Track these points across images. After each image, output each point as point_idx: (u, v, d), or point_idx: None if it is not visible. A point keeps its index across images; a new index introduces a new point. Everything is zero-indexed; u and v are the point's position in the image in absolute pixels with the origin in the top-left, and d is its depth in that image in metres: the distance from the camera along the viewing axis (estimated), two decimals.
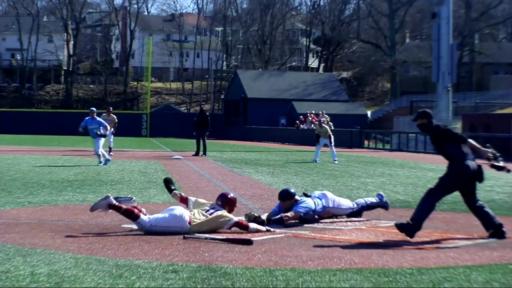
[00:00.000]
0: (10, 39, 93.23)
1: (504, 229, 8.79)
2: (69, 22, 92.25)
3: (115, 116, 29.23)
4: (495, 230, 8.78)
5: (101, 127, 21.97)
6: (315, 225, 9.72)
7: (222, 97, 79.75)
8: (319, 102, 60.15)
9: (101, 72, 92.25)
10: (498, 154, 8.82)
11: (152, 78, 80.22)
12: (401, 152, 37.35)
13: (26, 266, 6.59)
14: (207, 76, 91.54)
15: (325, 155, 28.46)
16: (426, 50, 73.52)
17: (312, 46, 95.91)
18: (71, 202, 12.06)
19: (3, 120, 58.01)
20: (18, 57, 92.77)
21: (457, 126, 45.04)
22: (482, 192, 14.35)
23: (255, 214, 9.33)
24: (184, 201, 9.43)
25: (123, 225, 9.32)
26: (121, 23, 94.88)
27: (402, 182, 17.66)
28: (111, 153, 27.42)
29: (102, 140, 22.17)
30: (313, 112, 50.63)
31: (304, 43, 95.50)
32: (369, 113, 69.10)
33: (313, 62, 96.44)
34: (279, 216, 9.52)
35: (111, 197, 8.81)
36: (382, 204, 10.68)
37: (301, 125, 50.93)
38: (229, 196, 9.29)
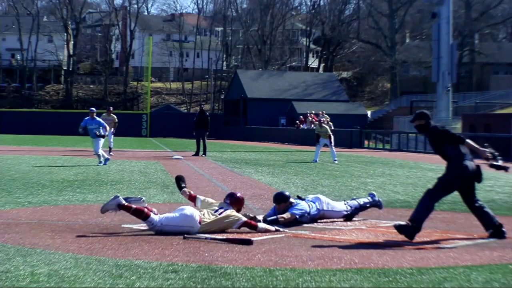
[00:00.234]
0: (10, 39, 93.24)
1: (504, 229, 8.78)
2: (69, 22, 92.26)
3: (115, 116, 29.24)
4: (495, 230, 8.77)
5: (100, 128, 21.97)
6: (315, 225, 9.72)
7: (222, 97, 79.76)
8: (319, 102, 60.17)
9: (101, 72, 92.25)
10: (496, 153, 8.82)
11: (152, 78, 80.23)
12: (401, 152, 37.35)
13: (26, 266, 6.59)
14: (207, 76, 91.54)
15: (325, 155, 28.47)
16: (426, 50, 73.52)
17: (312, 46, 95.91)
18: (71, 202, 12.06)
19: (3, 120, 58.00)
20: (18, 57, 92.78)
21: (457, 126, 45.04)
22: (482, 192, 14.35)
23: (250, 215, 9.33)
24: (192, 199, 9.45)
25: (123, 225, 9.32)
26: (121, 23, 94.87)
27: (402, 182, 17.67)
28: (111, 153, 27.43)
29: (102, 140, 22.16)
30: (313, 112, 50.64)
31: (304, 43, 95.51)
32: (369, 113, 69.10)
33: (313, 62, 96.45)
34: (274, 217, 9.52)
35: (120, 197, 8.81)
36: (375, 204, 10.64)
37: (301, 125, 50.93)
38: (237, 195, 9.31)
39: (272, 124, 58.70)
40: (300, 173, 20.27)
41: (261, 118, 60.09)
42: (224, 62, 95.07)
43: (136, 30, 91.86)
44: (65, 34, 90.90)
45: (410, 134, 40.28)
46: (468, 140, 8.75)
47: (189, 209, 8.78)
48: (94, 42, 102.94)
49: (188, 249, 7.65)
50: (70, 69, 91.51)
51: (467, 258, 7.46)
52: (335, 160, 25.97)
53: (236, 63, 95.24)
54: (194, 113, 48.44)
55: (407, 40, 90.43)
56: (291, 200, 9.79)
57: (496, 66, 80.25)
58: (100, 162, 21.46)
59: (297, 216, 9.53)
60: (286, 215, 9.49)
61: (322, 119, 36.88)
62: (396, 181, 17.94)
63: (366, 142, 45.29)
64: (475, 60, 78.61)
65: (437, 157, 9.15)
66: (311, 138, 33.99)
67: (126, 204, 8.75)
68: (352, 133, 44.04)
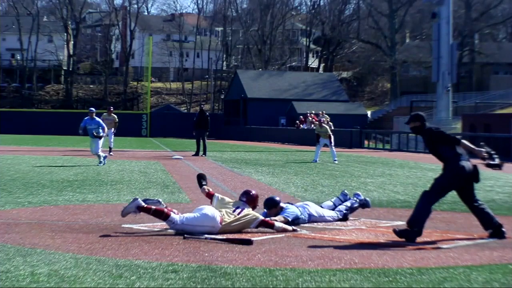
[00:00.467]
0: (10, 39, 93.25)
1: (503, 229, 8.78)
2: (69, 22, 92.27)
3: (115, 116, 29.23)
4: (494, 230, 8.77)
5: (99, 128, 21.94)
6: (315, 225, 9.72)
7: (222, 97, 79.76)
8: (319, 102, 60.17)
9: (101, 72, 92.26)
10: (492, 152, 8.81)
11: (152, 78, 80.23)
12: (401, 152, 37.35)
13: (26, 266, 6.59)
14: (207, 76, 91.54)
15: (325, 155, 28.47)
16: (426, 50, 73.54)
17: (312, 46, 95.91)
18: (71, 202, 12.06)
19: (3, 120, 58.01)
20: (18, 57, 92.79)
21: (457, 126, 45.07)
22: (482, 192, 14.36)
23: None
24: (209, 197, 9.45)
25: (123, 225, 9.32)
26: (121, 23, 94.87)
27: (402, 182, 17.67)
28: (111, 153, 27.44)
29: (102, 140, 22.16)
30: (313, 112, 50.64)
31: (304, 43, 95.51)
32: (369, 113, 69.11)
33: (313, 62, 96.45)
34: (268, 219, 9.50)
35: (139, 200, 8.83)
36: (362, 203, 10.59)
37: (301, 125, 50.93)
38: (252, 193, 9.33)
39: (272, 124, 58.71)
40: (300, 173, 20.28)
41: (261, 118, 60.09)
42: (224, 62, 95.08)
43: (136, 30, 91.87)
44: (65, 34, 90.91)
45: (410, 134, 40.28)
46: (464, 141, 8.75)
47: (209, 209, 8.78)
48: (94, 42, 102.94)
49: (188, 249, 7.65)
50: (70, 69, 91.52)
51: (467, 258, 7.46)
52: (335, 160, 25.97)
53: (236, 63, 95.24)
54: (194, 113, 48.45)
55: (407, 40, 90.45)
56: (282, 205, 9.80)
57: (496, 66, 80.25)
58: (100, 162, 21.46)
59: (289, 219, 9.52)
60: (279, 218, 9.47)
61: (322, 119, 36.87)
62: (396, 181, 17.94)
63: (366, 142, 45.30)
64: (475, 60, 78.62)
65: None
66: (311, 138, 34.00)
67: (145, 205, 8.78)
68: (352, 133, 44.04)
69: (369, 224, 10.02)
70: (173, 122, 62.14)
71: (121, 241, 8.11)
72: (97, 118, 22.40)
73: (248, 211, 8.98)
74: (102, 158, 21.65)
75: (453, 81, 51.13)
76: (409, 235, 8.41)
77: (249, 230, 8.88)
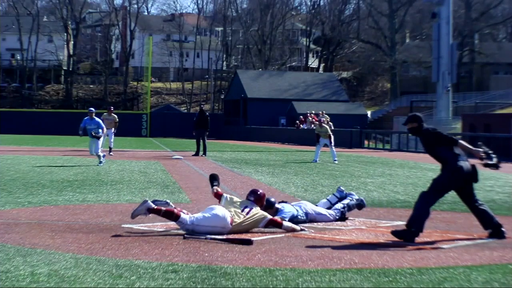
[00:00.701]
0: (10, 39, 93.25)
1: (503, 229, 8.77)
2: (69, 22, 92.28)
3: (116, 116, 29.20)
4: (494, 230, 8.77)
5: (99, 128, 21.88)
6: (315, 225, 9.72)
7: (222, 97, 79.77)
8: (319, 102, 60.20)
9: (101, 72, 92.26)
10: (490, 152, 8.80)
11: (152, 78, 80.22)
12: (401, 152, 37.35)
13: (26, 266, 6.59)
14: (207, 76, 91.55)
15: (325, 155, 28.47)
16: (426, 50, 73.55)
17: (312, 46, 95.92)
18: (71, 202, 12.06)
19: (3, 120, 58.01)
20: (18, 57, 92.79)
21: (457, 126, 45.08)
22: (482, 192, 14.37)
23: None
24: (217, 197, 9.44)
25: (123, 225, 9.33)
26: (121, 23, 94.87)
27: (402, 182, 17.67)
28: (111, 153, 27.44)
29: (101, 140, 22.14)
30: (313, 112, 50.65)
31: (304, 43, 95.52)
32: (369, 113, 69.14)
33: (313, 62, 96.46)
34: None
35: (149, 202, 8.83)
36: (359, 203, 10.56)
37: (301, 125, 50.94)
38: (259, 192, 9.36)
39: (272, 124, 58.72)
40: (300, 173, 20.28)
41: (261, 118, 60.11)
42: (224, 62, 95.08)
43: (136, 30, 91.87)
44: (65, 34, 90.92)
45: (410, 134, 40.25)
46: (461, 141, 8.75)
47: (220, 210, 8.77)
48: (94, 42, 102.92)
49: (188, 249, 7.65)
50: (70, 69, 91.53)
51: (467, 258, 7.46)
52: (335, 160, 25.97)
53: (236, 63, 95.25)
54: (194, 113, 48.45)
55: (407, 40, 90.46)
56: (277, 206, 9.80)
57: (496, 66, 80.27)
58: (100, 162, 21.45)
59: (287, 219, 9.51)
60: (276, 218, 9.46)
61: (322, 119, 36.89)
62: (396, 181, 17.94)
63: (366, 142, 45.30)
64: (475, 60, 78.64)
65: None
66: (311, 138, 34.00)
67: (155, 207, 8.78)
68: (352, 133, 44.04)
69: (369, 224, 10.01)
70: (173, 122, 62.14)
71: (121, 241, 8.11)
72: (97, 118, 22.29)
73: (256, 210, 9.00)
74: (102, 158, 21.63)
75: (453, 81, 51.13)
76: (407, 236, 8.39)
77: (253, 230, 8.87)
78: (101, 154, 21.90)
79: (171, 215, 8.72)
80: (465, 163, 8.59)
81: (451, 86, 50.95)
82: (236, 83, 66.22)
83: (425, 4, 64.82)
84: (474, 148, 8.78)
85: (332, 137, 26.84)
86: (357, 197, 10.62)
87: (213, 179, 9.89)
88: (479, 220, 8.89)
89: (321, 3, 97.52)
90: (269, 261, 7.06)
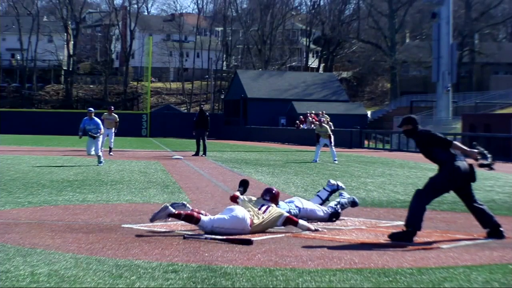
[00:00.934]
0: (10, 39, 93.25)
1: (502, 229, 8.77)
2: (69, 22, 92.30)
3: (116, 116, 29.17)
4: (492, 230, 8.76)
5: (97, 129, 21.83)
6: (315, 225, 9.70)
7: (222, 97, 79.76)
8: (319, 102, 60.20)
9: (101, 72, 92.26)
10: (485, 152, 8.80)
11: (152, 78, 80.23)
12: (401, 152, 37.34)
13: (26, 266, 6.59)
14: (207, 76, 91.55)
15: (325, 155, 28.47)
16: (426, 50, 73.56)
17: (312, 46, 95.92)
18: (71, 202, 12.06)
19: (3, 120, 58.01)
20: (18, 57, 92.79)
21: (457, 126, 45.08)
22: (482, 192, 14.38)
23: None
24: (234, 200, 9.39)
25: (123, 225, 9.33)
26: (121, 23, 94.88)
27: (402, 182, 17.67)
28: (111, 153, 27.44)
29: (101, 141, 22.10)
30: (313, 112, 50.66)
31: (304, 43, 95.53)
32: (369, 113, 69.14)
33: (313, 62, 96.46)
34: None
35: (170, 207, 8.79)
36: (352, 200, 10.53)
37: (301, 125, 50.94)
38: (274, 191, 9.37)
39: (272, 124, 58.72)
40: (300, 173, 20.28)
41: (261, 118, 60.10)
42: (224, 62, 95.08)
43: (136, 30, 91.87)
44: (65, 34, 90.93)
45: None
46: (456, 142, 8.76)
47: (239, 211, 8.73)
48: (94, 42, 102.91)
49: (188, 249, 7.65)
50: (70, 69, 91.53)
51: (467, 258, 7.46)
52: (335, 160, 25.97)
53: (236, 63, 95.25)
54: (194, 113, 48.42)
55: (407, 40, 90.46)
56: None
57: (496, 66, 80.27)
58: (100, 162, 21.43)
59: None
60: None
61: (322, 119, 36.90)
62: (396, 181, 17.95)
63: (366, 142, 45.30)
64: (475, 60, 78.63)
65: None
66: (311, 138, 34.00)
67: (176, 212, 8.76)
68: (352, 133, 44.04)
69: (369, 224, 10.02)
70: (173, 122, 62.14)
71: (121, 241, 8.11)
72: (96, 119, 22.15)
73: (273, 208, 9.01)
74: (101, 158, 21.62)
75: (453, 81, 51.16)
76: (404, 237, 8.38)
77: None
78: (100, 154, 21.88)
79: (191, 219, 8.71)
80: (463, 163, 8.58)
81: (451, 86, 50.98)
82: (236, 83, 66.22)
83: (425, 4, 64.82)
84: (468, 149, 8.77)
85: (332, 137, 26.84)
86: (348, 195, 10.60)
87: (241, 185, 9.77)
88: (478, 219, 8.89)
89: (321, 3, 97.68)
90: (269, 261, 7.06)
